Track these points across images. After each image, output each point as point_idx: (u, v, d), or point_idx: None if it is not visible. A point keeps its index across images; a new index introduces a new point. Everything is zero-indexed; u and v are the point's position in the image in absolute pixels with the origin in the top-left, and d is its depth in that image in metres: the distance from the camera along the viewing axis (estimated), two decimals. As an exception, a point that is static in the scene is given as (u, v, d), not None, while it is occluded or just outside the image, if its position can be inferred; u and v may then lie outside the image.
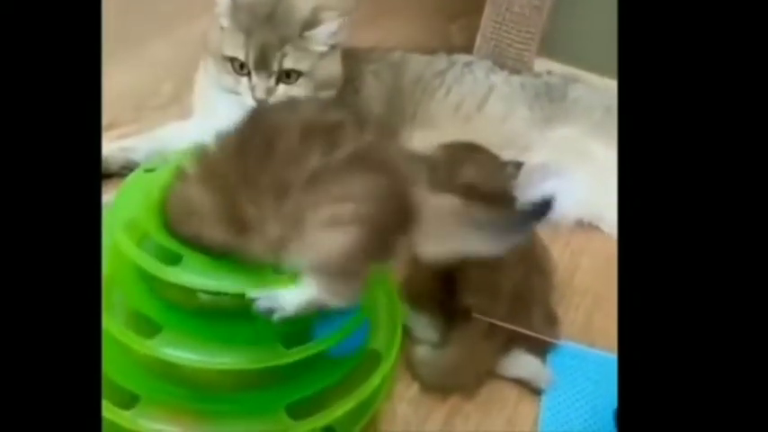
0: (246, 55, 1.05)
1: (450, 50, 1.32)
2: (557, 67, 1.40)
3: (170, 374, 0.69)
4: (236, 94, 1.09)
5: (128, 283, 0.71)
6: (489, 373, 0.91)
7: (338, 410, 0.70)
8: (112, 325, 0.67)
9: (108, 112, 1.23)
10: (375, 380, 0.74)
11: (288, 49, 1.05)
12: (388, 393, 0.84)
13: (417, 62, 1.23)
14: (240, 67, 1.07)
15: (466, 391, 0.90)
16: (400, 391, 0.88)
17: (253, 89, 1.06)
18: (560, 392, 0.91)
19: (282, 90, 1.08)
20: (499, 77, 1.25)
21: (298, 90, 1.08)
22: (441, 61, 1.25)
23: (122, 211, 0.72)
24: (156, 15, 1.56)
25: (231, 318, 0.70)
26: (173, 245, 0.67)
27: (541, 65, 1.44)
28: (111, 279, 0.71)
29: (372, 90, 1.17)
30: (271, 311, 0.64)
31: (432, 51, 1.30)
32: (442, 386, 0.89)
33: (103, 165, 1.09)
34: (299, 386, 0.71)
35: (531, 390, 0.91)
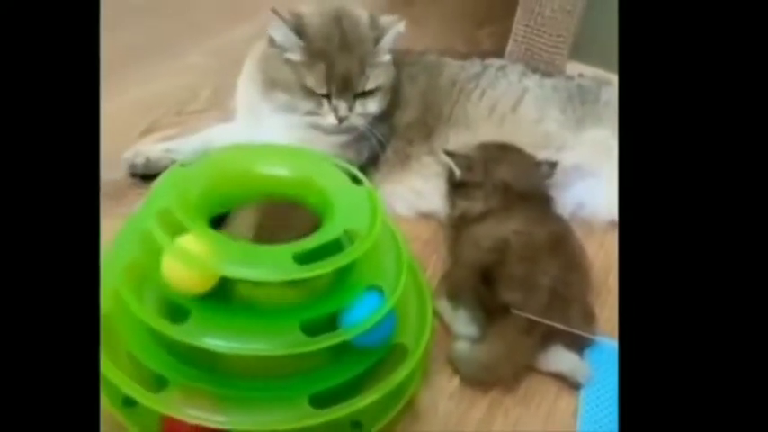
0: (330, 84, 1.07)
1: (483, 55, 1.34)
2: (588, 71, 1.42)
3: (197, 359, 0.72)
4: (315, 115, 1.10)
5: (158, 270, 0.74)
6: (528, 368, 0.92)
7: (361, 402, 0.72)
8: (142, 310, 0.70)
9: (150, 116, 1.29)
10: (401, 373, 0.76)
11: (368, 71, 1.08)
12: (417, 388, 0.86)
13: (451, 66, 1.25)
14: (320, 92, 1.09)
15: (505, 384, 0.91)
16: (441, 384, 0.90)
17: (335, 110, 1.08)
18: (598, 387, 0.92)
19: (360, 104, 1.10)
20: (532, 81, 1.26)
21: (373, 102, 1.11)
22: (474, 65, 1.27)
23: (157, 203, 0.75)
24: (193, 27, 1.61)
25: (256, 305, 0.73)
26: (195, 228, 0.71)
27: (573, 68, 1.45)
28: (142, 267, 0.75)
29: (408, 92, 1.19)
30: None
31: (464, 56, 1.32)
32: (482, 380, 0.91)
33: (149, 165, 1.13)
34: (323, 376, 0.73)
35: (570, 384, 0.92)
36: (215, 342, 0.68)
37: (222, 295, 0.72)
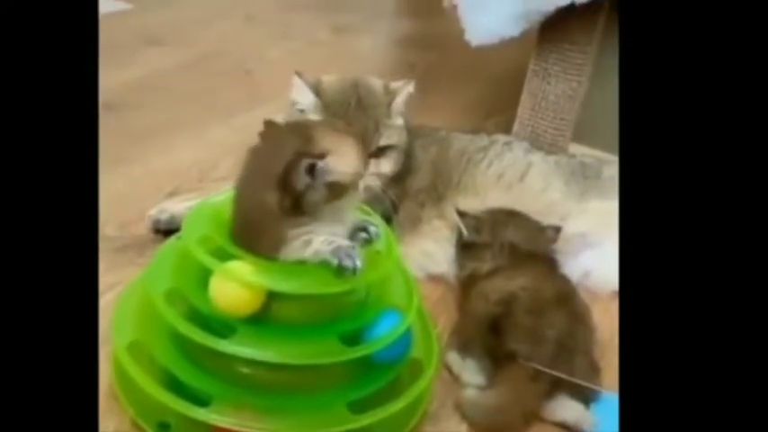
0: None
1: (490, 134, 1.43)
2: (589, 152, 1.49)
3: (238, 377, 0.77)
4: None
5: (201, 292, 0.78)
6: (535, 416, 0.94)
7: (391, 408, 0.78)
8: (192, 330, 0.75)
9: (175, 180, 1.37)
10: (421, 384, 0.82)
11: (382, 129, 1.17)
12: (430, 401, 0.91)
13: (461, 139, 1.33)
14: None
15: (512, 430, 0.92)
16: (450, 429, 0.91)
17: None
18: (604, 437, 0.93)
19: (374, 164, 1.18)
20: (536, 156, 1.33)
21: (387, 162, 1.19)
22: (482, 139, 1.35)
23: (194, 232, 0.82)
24: (218, 107, 1.73)
25: (293, 322, 0.79)
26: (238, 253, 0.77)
27: (575, 150, 1.53)
28: (180, 293, 0.80)
29: (420, 159, 1.26)
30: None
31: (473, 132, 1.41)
32: (490, 425, 0.92)
33: (172, 221, 1.19)
34: (356, 387, 0.79)
35: (577, 433, 0.93)
36: (261, 354, 0.74)
37: (261, 316, 0.77)
